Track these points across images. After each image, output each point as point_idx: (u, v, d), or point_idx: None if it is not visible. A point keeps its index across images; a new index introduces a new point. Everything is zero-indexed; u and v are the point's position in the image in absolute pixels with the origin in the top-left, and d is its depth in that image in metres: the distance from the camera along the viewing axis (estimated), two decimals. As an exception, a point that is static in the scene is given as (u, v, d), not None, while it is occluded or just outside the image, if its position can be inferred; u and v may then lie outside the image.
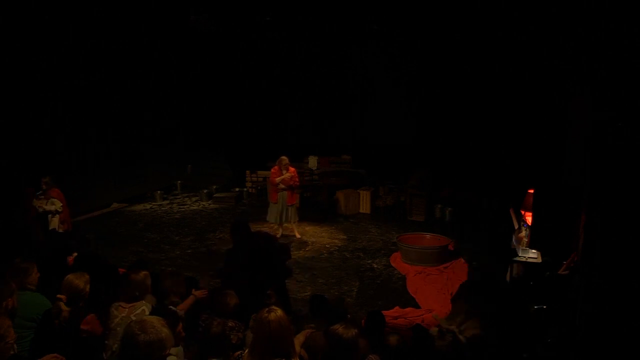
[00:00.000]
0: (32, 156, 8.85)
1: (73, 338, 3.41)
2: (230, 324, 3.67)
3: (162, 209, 11.33)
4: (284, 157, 8.63)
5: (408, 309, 6.17)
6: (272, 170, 8.79)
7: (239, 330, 3.66)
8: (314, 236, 9.14)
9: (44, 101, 9.21)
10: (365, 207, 10.78)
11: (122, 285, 3.60)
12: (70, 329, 3.44)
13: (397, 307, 6.19)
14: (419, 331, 4.28)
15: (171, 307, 3.58)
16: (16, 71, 8.57)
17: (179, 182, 13.10)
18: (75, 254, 5.14)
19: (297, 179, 8.78)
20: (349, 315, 3.92)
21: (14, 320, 3.29)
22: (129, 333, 2.40)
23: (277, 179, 8.60)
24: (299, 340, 3.18)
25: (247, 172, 12.64)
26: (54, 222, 7.27)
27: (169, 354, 2.47)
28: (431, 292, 6.68)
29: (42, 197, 7.19)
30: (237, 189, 12.38)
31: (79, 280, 3.60)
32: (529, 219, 5.06)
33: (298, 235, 9.01)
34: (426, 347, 3.77)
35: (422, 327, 4.64)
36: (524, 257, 5.27)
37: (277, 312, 2.76)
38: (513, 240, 5.81)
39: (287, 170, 8.62)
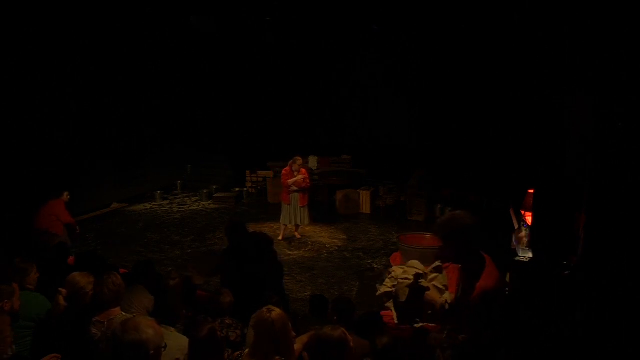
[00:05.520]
0: (32, 156, 8.84)
1: (73, 339, 3.40)
2: (227, 322, 3.67)
3: (162, 209, 11.33)
4: (298, 158, 8.51)
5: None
6: (283, 171, 8.65)
7: (236, 328, 3.67)
8: (314, 236, 9.15)
9: (44, 101, 9.20)
10: (365, 207, 10.79)
11: (95, 291, 3.40)
12: (70, 329, 3.43)
13: (397, 307, 6.19)
14: (420, 331, 4.27)
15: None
16: (16, 71, 8.57)
17: (179, 182, 13.12)
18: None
19: (308, 181, 8.72)
20: (333, 317, 3.87)
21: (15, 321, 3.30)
22: (114, 332, 2.44)
23: (290, 181, 8.47)
24: (302, 340, 3.17)
25: (247, 172, 12.65)
26: None
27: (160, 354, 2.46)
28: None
29: None
30: (237, 189, 12.40)
31: (81, 278, 3.56)
32: (529, 219, 5.05)
33: (298, 236, 9.01)
34: (425, 346, 3.76)
35: (422, 327, 4.63)
36: (524, 257, 5.26)
37: (277, 311, 2.76)
38: (513, 240, 5.80)
39: (299, 171, 8.51)
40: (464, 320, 2.96)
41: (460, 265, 3.06)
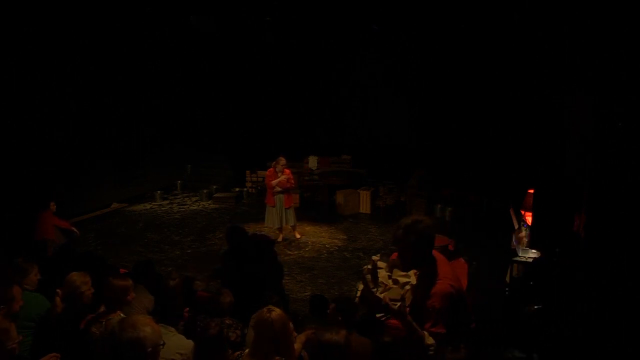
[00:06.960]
0: (32, 156, 8.84)
1: (73, 338, 3.40)
2: (227, 322, 3.67)
3: (162, 209, 11.33)
4: (282, 158, 8.42)
5: (408, 309, 6.15)
6: (267, 172, 8.58)
7: (236, 328, 3.67)
8: (314, 236, 9.14)
9: (44, 101, 9.21)
10: (365, 207, 10.79)
11: (104, 290, 3.42)
12: (69, 329, 3.43)
13: (397, 307, 6.18)
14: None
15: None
16: (16, 71, 8.57)
17: (179, 182, 13.11)
18: None
19: (292, 181, 8.63)
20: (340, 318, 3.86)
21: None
22: (111, 331, 2.44)
23: (274, 182, 8.38)
24: (300, 340, 3.18)
25: (247, 172, 12.66)
26: None
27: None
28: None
29: None
30: (237, 189, 12.39)
31: (77, 277, 3.54)
32: (529, 219, 5.05)
33: (298, 236, 9.00)
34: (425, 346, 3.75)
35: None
36: (524, 257, 5.26)
37: (277, 311, 2.77)
38: (513, 240, 5.80)
39: (283, 172, 8.41)
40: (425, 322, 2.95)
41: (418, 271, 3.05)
